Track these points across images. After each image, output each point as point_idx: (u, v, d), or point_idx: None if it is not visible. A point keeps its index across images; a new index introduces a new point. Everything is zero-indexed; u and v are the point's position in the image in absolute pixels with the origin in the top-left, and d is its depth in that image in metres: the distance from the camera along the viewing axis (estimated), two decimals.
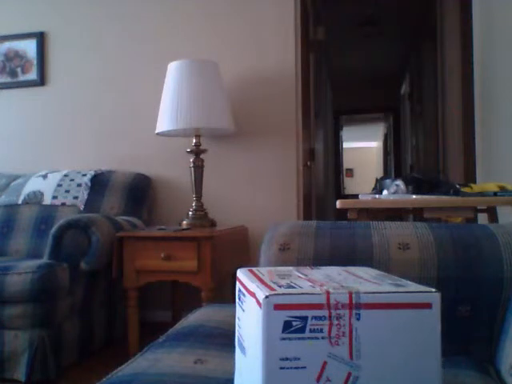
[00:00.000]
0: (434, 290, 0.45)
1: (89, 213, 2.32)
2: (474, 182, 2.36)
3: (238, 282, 0.54)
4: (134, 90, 2.71)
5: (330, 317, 0.43)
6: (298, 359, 0.43)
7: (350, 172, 10.86)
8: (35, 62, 2.84)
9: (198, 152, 2.28)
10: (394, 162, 7.41)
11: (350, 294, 0.43)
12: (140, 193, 2.48)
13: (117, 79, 2.74)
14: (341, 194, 8.03)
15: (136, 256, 1.98)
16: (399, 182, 1.50)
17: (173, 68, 2.24)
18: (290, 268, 0.58)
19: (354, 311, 0.43)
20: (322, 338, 0.43)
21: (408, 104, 5.98)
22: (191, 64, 2.21)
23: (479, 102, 2.43)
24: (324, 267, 0.59)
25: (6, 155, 2.89)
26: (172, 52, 2.65)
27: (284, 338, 0.43)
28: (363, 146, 11.04)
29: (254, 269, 0.56)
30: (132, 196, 2.45)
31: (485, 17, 2.31)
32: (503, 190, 1.45)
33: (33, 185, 2.50)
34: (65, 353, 1.88)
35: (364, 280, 0.50)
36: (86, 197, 2.41)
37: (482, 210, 1.79)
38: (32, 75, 2.85)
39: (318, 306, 0.43)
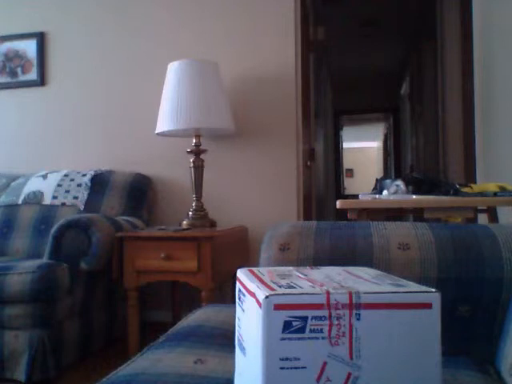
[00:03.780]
0: (433, 290, 0.45)
1: (89, 213, 2.32)
2: (474, 182, 2.36)
3: (238, 282, 0.54)
4: (134, 89, 2.71)
5: (330, 317, 0.43)
6: (298, 359, 0.43)
7: (350, 172, 10.86)
8: (35, 61, 2.84)
9: (198, 152, 2.28)
10: (394, 162, 7.41)
11: (350, 294, 0.43)
12: (140, 193, 2.49)
13: (117, 79, 2.74)
14: (341, 194, 8.02)
15: (136, 256, 1.98)
16: (399, 182, 1.50)
17: (173, 68, 2.24)
18: (290, 268, 0.58)
19: (354, 311, 0.43)
20: (322, 338, 0.43)
21: (408, 104, 5.97)
22: (191, 64, 2.21)
23: (479, 102, 2.43)
24: (324, 267, 0.59)
25: (6, 155, 2.89)
26: (172, 52, 2.65)
27: (284, 338, 0.43)
28: (363, 146, 11.03)
29: (254, 269, 0.56)
30: (132, 196, 2.45)
31: (485, 16, 2.31)
32: (503, 190, 1.45)
33: (33, 185, 2.50)
34: (65, 353, 1.88)
35: (364, 280, 0.50)
36: (85, 197, 2.41)
37: (482, 210, 1.79)
38: (32, 75, 2.85)
39: (318, 306, 0.43)
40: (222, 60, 2.58)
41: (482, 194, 1.45)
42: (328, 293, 0.43)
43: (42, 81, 2.84)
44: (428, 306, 0.45)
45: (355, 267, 0.59)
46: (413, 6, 4.47)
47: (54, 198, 2.42)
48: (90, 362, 2.04)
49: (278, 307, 0.42)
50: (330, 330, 0.43)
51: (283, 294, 0.43)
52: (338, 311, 0.43)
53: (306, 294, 0.43)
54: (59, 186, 2.46)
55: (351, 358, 0.43)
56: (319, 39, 3.95)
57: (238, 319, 0.52)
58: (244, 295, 0.49)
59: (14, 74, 2.88)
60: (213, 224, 2.29)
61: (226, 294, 2.52)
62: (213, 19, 2.62)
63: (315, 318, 0.43)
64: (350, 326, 0.43)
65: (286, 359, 0.43)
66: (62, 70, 2.82)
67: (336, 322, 0.43)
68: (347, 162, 9.80)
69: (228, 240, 2.15)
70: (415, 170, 5.23)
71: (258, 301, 0.44)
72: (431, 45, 4.11)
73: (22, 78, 2.87)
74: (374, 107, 7.39)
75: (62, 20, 2.83)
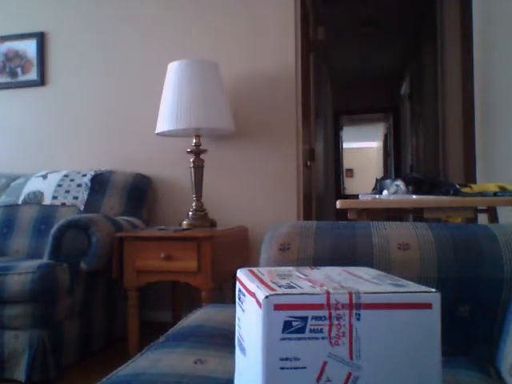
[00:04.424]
0: (433, 290, 0.45)
1: (89, 213, 2.32)
2: (474, 182, 2.36)
3: (237, 282, 0.54)
4: (134, 90, 2.71)
5: (330, 317, 0.43)
6: (298, 359, 0.43)
7: (350, 172, 10.86)
8: (35, 61, 2.84)
9: (198, 152, 2.28)
10: (394, 162, 7.41)
11: (350, 294, 0.43)
12: (140, 193, 2.49)
13: (117, 79, 2.74)
14: (341, 194, 8.02)
15: (136, 256, 1.98)
16: (399, 182, 1.50)
17: (173, 68, 2.24)
18: (290, 268, 0.58)
19: (354, 311, 0.43)
20: (322, 338, 0.43)
21: (408, 104, 5.98)
22: (191, 64, 2.21)
23: (479, 102, 2.43)
24: (324, 267, 0.59)
25: (6, 155, 2.89)
26: (172, 52, 2.65)
27: (284, 338, 0.43)
28: (363, 146, 11.03)
29: (254, 269, 0.56)
30: (132, 196, 2.45)
31: (485, 17, 2.31)
32: (503, 190, 1.45)
33: (33, 185, 2.50)
34: (65, 353, 1.88)
35: (364, 280, 0.50)
36: (85, 197, 2.41)
37: (482, 210, 1.79)
38: (32, 75, 2.85)
39: (318, 307, 0.43)
40: (222, 60, 2.58)
41: (482, 194, 1.45)
42: (328, 293, 0.43)
43: (42, 81, 2.84)
44: (428, 306, 0.45)
45: (355, 267, 0.59)
46: (413, 6, 4.47)
47: (54, 198, 2.42)
48: (89, 361, 2.04)
49: (277, 307, 0.42)
50: (330, 330, 0.43)
51: (283, 293, 0.43)
52: (338, 311, 0.43)
53: (306, 294, 0.43)
54: (59, 186, 2.46)
55: (351, 358, 0.43)
56: (319, 39, 3.95)
57: (238, 319, 0.52)
58: (244, 295, 0.49)
59: (13, 73, 2.88)
60: (213, 224, 2.29)
61: (226, 294, 2.52)
62: (213, 19, 2.62)
63: (315, 318, 0.43)
64: (350, 326, 0.43)
65: (286, 359, 0.43)
66: (62, 70, 2.82)
67: (336, 322, 0.43)
68: (347, 162, 9.80)
69: (228, 240, 2.15)
70: (415, 170, 5.23)
71: (257, 301, 0.44)
72: (431, 45, 4.11)
73: (21, 78, 2.87)
74: (374, 107, 7.39)
75: (61, 20, 2.83)
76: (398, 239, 0.88)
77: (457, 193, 1.46)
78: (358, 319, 0.43)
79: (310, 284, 0.47)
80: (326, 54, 4.99)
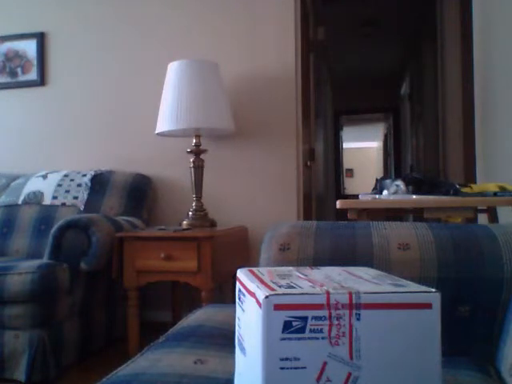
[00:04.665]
0: (433, 290, 0.45)
1: (89, 213, 2.32)
2: (474, 182, 2.36)
3: (238, 282, 0.54)
4: (134, 90, 2.71)
5: (330, 317, 0.43)
6: (298, 359, 0.43)
7: (350, 172, 10.86)
8: (35, 61, 2.84)
9: (198, 152, 2.28)
10: (394, 162, 7.41)
11: (350, 294, 0.43)
12: (140, 193, 2.49)
13: (117, 79, 2.74)
14: (341, 194, 8.02)
15: (136, 256, 1.98)
16: (399, 182, 1.50)
17: (173, 68, 2.24)
18: (290, 268, 0.58)
19: (354, 311, 0.43)
20: (322, 338, 0.43)
21: (408, 104, 5.97)
22: (191, 64, 2.21)
23: (479, 102, 2.43)
24: (324, 267, 0.59)
25: (5, 155, 2.89)
26: (172, 52, 2.65)
27: (284, 338, 0.43)
28: (363, 146, 11.03)
29: (254, 269, 0.56)
30: (132, 196, 2.45)
31: (485, 17, 2.31)
32: (503, 190, 1.45)
33: (33, 185, 2.50)
34: (65, 353, 1.88)
35: (364, 280, 0.50)
36: (85, 197, 2.41)
37: (482, 210, 1.79)
38: (32, 75, 2.85)
39: (318, 307, 0.43)
40: (222, 60, 2.58)
41: (482, 194, 1.45)
42: (328, 293, 0.43)
43: (42, 81, 2.84)
44: (428, 306, 0.45)
45: (355, 267, 0.59)
46: (413, 6, 4.47)
47: (54, 198, 2.42)
48: (90, 361, 2.04)
49: (277, 307, 0.42)
50: (329, 330, 0.43)
51: (283, 293, 0.43)
52: (338, 311, 0.43)
53: (306, 294, 0.43)
54: (59, 186, 2.46)
55: (351, 358, 0.43)
56: (319, 39, 3.95)
57: (238, 319, 0.52)
58: (244, 295, 0.49)
59: (13, 73, 2.88)
60: (213, 224, 2.29)
61: (226, 294, 2.52)
62: (213, 19, 2.62)
63: (315, 318, 0.43)
64: (350, 326, 0.43)
65: (286, 359, 0.43)
66: (62, 70, 2.82)
67: (336, 322, 0.43)
68: (347, 162, 9.79)
69: (228, 240, 2.15)
70: (415, 170, 5.23)
71: (257, 301, 0.44)
72: (431, 45, 4.11)
73: (21, 78, 2.87)
74: (374, 107, 7.39)
75: (61, 20, 2.83)
76: (398, 239, 0.88)
77: (457, 193, 1.46)
78: (358, 319, 0.43)
79: (310, 284, 0.47)
80: (325, 54, 4.99)
